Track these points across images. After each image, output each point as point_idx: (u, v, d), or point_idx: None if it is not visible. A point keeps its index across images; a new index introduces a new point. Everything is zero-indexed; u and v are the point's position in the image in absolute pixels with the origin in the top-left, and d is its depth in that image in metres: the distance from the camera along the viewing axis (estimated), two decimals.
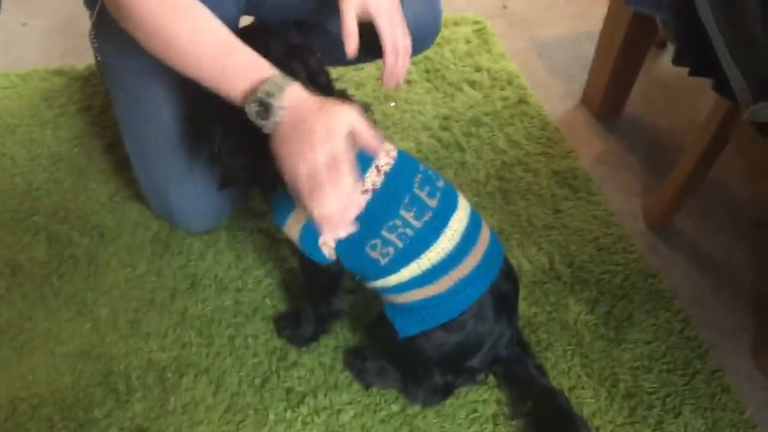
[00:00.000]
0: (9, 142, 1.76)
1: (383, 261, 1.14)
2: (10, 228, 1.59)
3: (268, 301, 1.49)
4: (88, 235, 1.59)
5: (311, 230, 1.14)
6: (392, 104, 1.92)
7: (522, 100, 1.94)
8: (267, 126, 0.95)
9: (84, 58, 2.00)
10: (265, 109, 0.94)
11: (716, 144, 1.47)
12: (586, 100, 1.98)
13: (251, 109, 0.96)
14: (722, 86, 1.18)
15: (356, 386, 1.36)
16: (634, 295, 1.52)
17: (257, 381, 1.36)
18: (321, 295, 1.34)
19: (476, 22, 2.19)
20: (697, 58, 1.25)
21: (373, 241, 1.13)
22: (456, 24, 2.17)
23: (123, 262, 1.54)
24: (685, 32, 1.27)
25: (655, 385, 1.38)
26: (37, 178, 1.69)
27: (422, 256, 1.13)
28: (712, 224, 1.69)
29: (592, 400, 1.35)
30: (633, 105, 1.96)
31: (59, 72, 1.95)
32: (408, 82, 1.98)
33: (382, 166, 1.13)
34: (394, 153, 1.16)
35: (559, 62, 2.12)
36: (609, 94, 1.90)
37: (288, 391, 1.35)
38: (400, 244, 1.12)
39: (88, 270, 1.53)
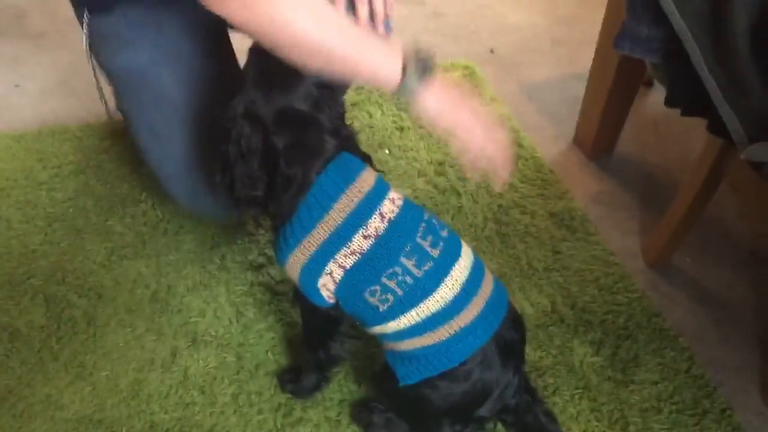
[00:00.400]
0: (4, 204, 1.76)
1: (382, 308, 1.13)
2: (7, 292, 1.58)
3: (270, 355, 1.48)
4: (86, 296, 1.57)
5: (311, 271, 1.15)
6: (387, 151, 1.93)
7: (515, 143, 1.96)
8: (420, 89, 1.07)
9: (77, 118, 2.02)
10: (425, 68, 1.07)
11: (712, 181, 1.48)
12: (578, 141, 2.00)
13: (416, 73, 1.06)
14: (716, 126, 1.20)
15: None
16: (639, 334, 1.52)
17: None
18: (320, 340, 1.32)
19: (466, 67, 2.22)
20: (690, 99, 1.26)
21: (372, 287, 1.12)
22: (446, 70, 2.20)
23: (122, 323, 1.53)
24: (677, 75, 1.28)
25: (665, 427, 1.37)
26: (33, 240, 1.68)
27: (421, 305, 1.12)
28: (711, 260, 1.69)
29: None
30: (624, 144, 1.98)
31: (52, 133, 1.95)
32: (401, 128, 1.99)
33: (386, 213, 1.13)
34: (399, 202, 1.16)
35: (549, 104, 2.14)
36: (601, 134, 1.92)
37: None
38: (399, 292, 1.12)
39: (87, 332, 1.51)
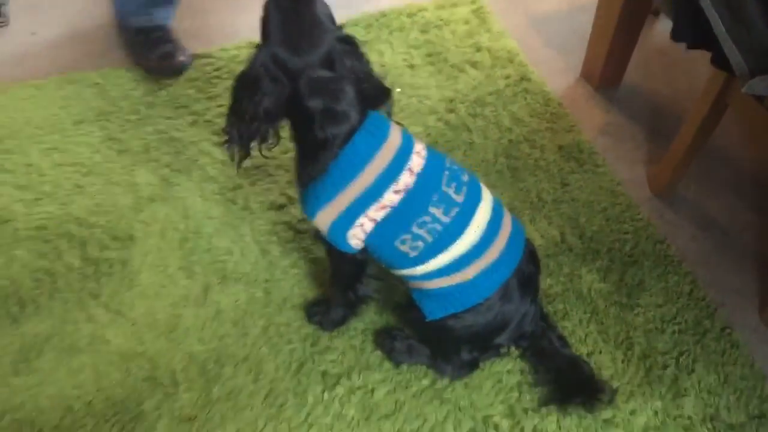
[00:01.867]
0: (34, 151, 1.83)
1: (412, 254, 1.21)
2: (44, 237, 1.66)
3: (296, 290, 1.57)
4: (119, 239, 1.66)
5: (341, 225, 1.22)
6: (398, 90, 1.97)
7: (524, 78, 2.00)
8: None
9: (94, 64, 2.06)
10: None
11: (716, 111, 1.54)
12: (585, 73, 2.04)
13: None
14: (720, 60, 1.24)
15: (387, 365, 1.44)
16: (644, 261, 1.60)
17: (294, 366, 1.44)
18: (348, 282, 1.41)
19: (473, 2, 2.24)
20: (695, 33, 1.30)
21: (404, 236, 1.20)
22: (454, 5, 2.22)
23: (155, 263, 1.62)
24: (682, 9, 1.32)
25: (668, 346, 1.46)
26: (63, 186, 1.76)
27: (450, 248, 1.20)
28: (714, 187, 1.76)
29: (610, 364, 1.44)
30: (632, 75, 2.01)
31: (72, 80, 2.01)
32: (412, 66, 2.03)
33: (414, 167, 1.19)
34: (424, 153, 1.22)
35: (557, 37, 2.17)
36: (608, 66, 1.96)
37: (323, 374, 1.43)
38: (429, 239, 1.20)
39: (123, 273, 1.60)
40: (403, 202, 1.18)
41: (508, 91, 1.97)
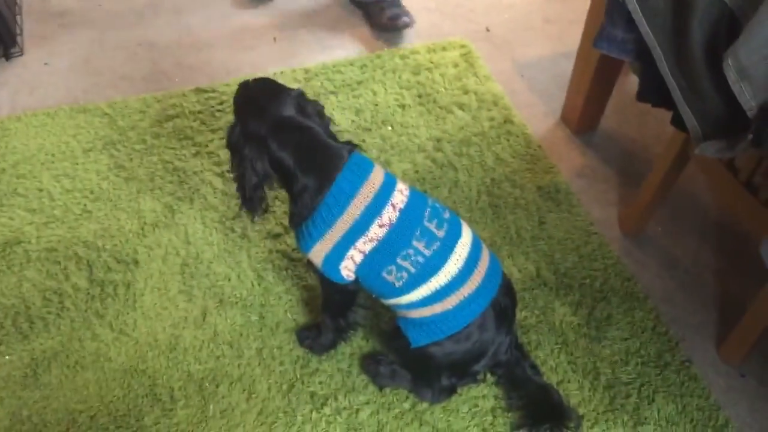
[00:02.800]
0: (45, 177, 1.94)
1: (398, 284, 1.34)
2: (53, 258, 1.77)
3: (289, 315, 1.68)
4: (124, 262, 1.77)
5: (333, 258, 1.34)
6: (389, 128, 2.10)
7: (507, 120, 2.13)
8: None
9: (104, 95, 2.18)
10: None
11: (679, 161, 1.67)
12: (565, 117, 2.18)
13: None
14: (678, 121, 1.37)
15: (371, 388, 1.55)
16: (612, 297, 1.72)
17: (284, 387, 1.55)
18: (339, 310, 1.53)
19: (462, 46, 2.38)
20: (658, 95, 1.44)
21: (389, 267, 1.32)
22: (444, 49, 2.36)
23: (157, 286, 1.73)
24: (646, 74, 1.46)
25: (631, 377, 1.58)
26: (73, 211, 1.87)
27: (432, 279, 1.32)
28: (680, 229, 1.89)
29: (577, 392, 1.55)
30: (607, 120, 2.15)
31: (84, 110, 2.13)
32: (402, 106, 2.17)
33: (397, 203, 1.32)
34: (407, 191, 1.35)
35: (540, 82, 2.31)
36: (585, 112, 2.10)
37: (312, 395, 1.54)
38: (413, 270, 1.32)
39: (127, 294, 1.71)
40: (388, 235, 1.30)
41: (492, 132, 2.10)
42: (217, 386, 1.56)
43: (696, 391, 1.57)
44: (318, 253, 1.35)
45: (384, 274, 1.34)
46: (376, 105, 2.17)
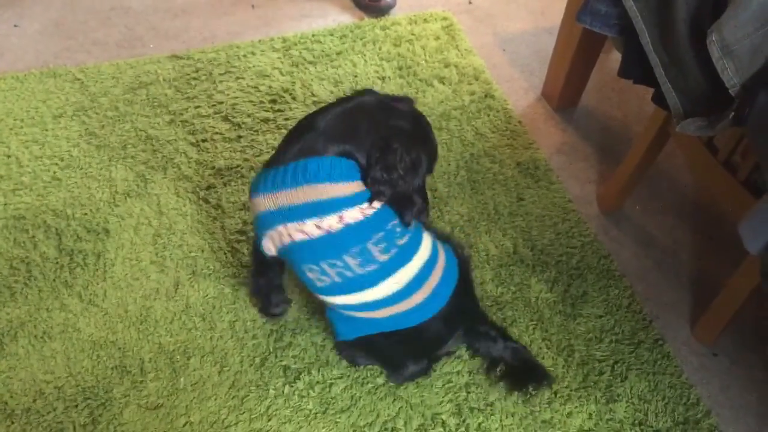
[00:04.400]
0: (13, 143, 1.89)
1: (318, 284, 1.31)
2: (21, 226, 1.73)
3: None
4: (94, 231, 1.73)
5: (264, 220, 1.31)
6: None
7: (488, 95, 2.11)
8: None
9: (75, 59, 2.12)
10: None
11: (659, 140, 1.66)
12: (545, 93, 2.16)
13: None
14: (659, 98, 1.36)
15: (345, 362, 1.54)
16: (588, 274, 1.72)
17: (257, 360, 1.54)
18: (257, 269, 1.52)
19: (444, 18, 2.34)
20: (640, 72, 1.42)
21: (311, 266, 1.29)
22: (426, 21, 2.32)
23: (128, 256, 1.70)
24: (629, 50, 1.44)
25: (605, 354, 1.59)
26: (41, 178, 1.83)
27: (357, 293, 1.30)
28: (657, 208, 1.89)
29: (552, 369, 1.55)
30: (588, 97, 2.14)
31: (54, 74, 2.07)
32: (382, 78, 2.13)
33: (347, 217, 1.25)
34: (369, 212, 1.27)
35: (522, 56, 2.28)
36: (567, 88, 2.08)
37: (285, 368, 1.53)
38: (337, 279, 1.29)
39: (97, 264, 1.68)
40: (321, 239, 1.25)
41: (473, 107, 2.08)
42: (189, 359, 1.54)
43: (668, 369, 1.57)
44: (257, 205, 1.32)
45: (305, 269, 1.31)
46: (356, 76, 2.14)
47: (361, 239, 1.26)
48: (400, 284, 1.31)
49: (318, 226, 1.24)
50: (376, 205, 1.28)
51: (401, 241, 1.31)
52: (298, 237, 1.27)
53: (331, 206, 1.23)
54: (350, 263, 1.26)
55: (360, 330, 1.36)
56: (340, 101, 1.31)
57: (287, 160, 1.26)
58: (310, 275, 1.31)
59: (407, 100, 1.36)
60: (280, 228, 1.28)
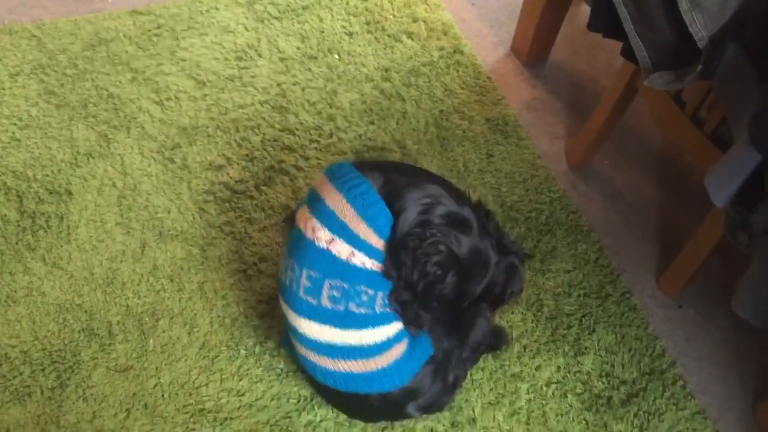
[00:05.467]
0: None
1: (281, 276, 1.29)
2: None
3: (231, 248, 1.64)
4: (57, 193, 1.69)
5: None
6: (336, 56, 2.03)
7: (457, 50, 2.09)
8: None
9: (31, 15, 2.05)
10: None
11: (627, 94, 1.66)
12: (515, 48, 2.14)
13: None
14: (628, 52, 1.35)
15: None
16: (557, 230, 1.73)
17: (227, 321, 1.53)
18: None
19: None
20: (608, 25, 1.41)
21: (287, 251, 1.26)
22: None
23: (92, 218, 1.66)
24: (598, 3, 1.42)
25: (573, 308, 1.61)
26: (0, 139, 1.77)
27: (290, 308, 1.25)
28: (625, 163, 1.90)
29: (521, 324, 1.57)
30: (558, 52, 2.12)
31: (9, 31, 1.99)
32: (350, 33, 2.09)
33: (336, 246, 1.17)
34: (355, 262, 1.17)
35: (491, 11, 2.25)
36: (536, 43, 2.06)
37: (255, 328, 1.52)
38: (287, 283, 1.25)
39: (60, 226, 1.64)
40: (307, 241, 1.20)
41: (442, 62, 2.05)
42: (157, 321, 1.52)
43: (635, 322, 1.60)
44: None
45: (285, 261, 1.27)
46: (323, 32, 2.09)
47: (328, 272, 1.18)
48: (320, 336, 1.23)
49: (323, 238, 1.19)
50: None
51: (355, 309, 1.20)
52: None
53: (354, 240, 1.17)
54: (302, 282, 1.20)
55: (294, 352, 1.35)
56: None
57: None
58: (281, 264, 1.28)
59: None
60: (307, 212, 1.23)
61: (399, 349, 1.26)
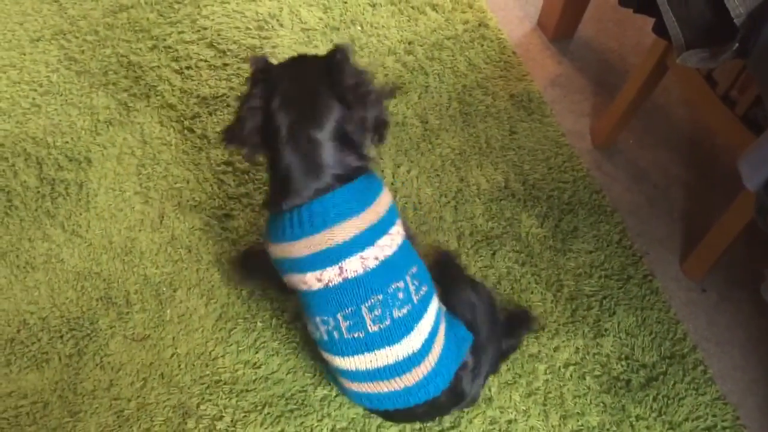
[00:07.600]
0: None
1: (315, 333, 1.23)
2: (1, 154, 1.68)
3: (250, 220, 1.63)
4: (76, 161, 1.69)
5: (278, 265, 1.23)
6: (359, 28, 2.00)
7: (482, 24, 2.04)
8: None
9: None
10: None
11: (657, 72, 1.62)
12: (541, 23, 2.09)
13: None
14: (660, 29, 1.31)
15: None
16: (580, 209, 1.70)
17: (245, 293, 1.52)
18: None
19: None
20: (640, 0, 1.37)
21: (308, 316, 1.21)
22: None
23: (112, 186, 1.66)
24: None
25: (594, 289, 1.58)
26: (21, 105, 1.77)
27: (331, 357, 1.21)
28: (651, 143, 1.85)
29: (540, 303, 1.55)
30: (585, 28, 2.07)
31: None
32: (373, 5, 2.05)
33: (348, 269, 1.13)
34: (371, 263, 1.14)
35: None
36: (563, 18, 2.01)
37: (272, 301, 1.51)
38: (325, 337, 1.19)
39: (80, 194, 1.64)
40: (320, 292, 1.16)
41: (466, 36, 2.01)
42: (175, 291, 1.52)
43: (657, 305, 1.57)
44: (272, 251, 1.22)
45: (304, 312, 1.24)
46: (346, 3, 2.05)
47: (357, 299, 1.14)
48: (376, 363, 1.18)
49: (319, 280, 1.15)
50: (373, 256, 1.15)
51: (399, 313, 1.16)
52: (303, 288, 1.19)
53: (334, 254, 1.13)
54: (341, 324, 1.16)
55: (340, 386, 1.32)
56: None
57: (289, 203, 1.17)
58: (305, 321, 1.25)
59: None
60: (287, 277, 1.22)
61: (440, 340, 1.23)
